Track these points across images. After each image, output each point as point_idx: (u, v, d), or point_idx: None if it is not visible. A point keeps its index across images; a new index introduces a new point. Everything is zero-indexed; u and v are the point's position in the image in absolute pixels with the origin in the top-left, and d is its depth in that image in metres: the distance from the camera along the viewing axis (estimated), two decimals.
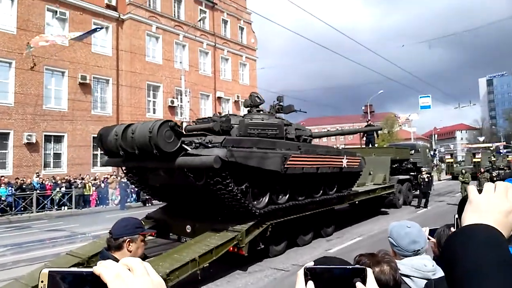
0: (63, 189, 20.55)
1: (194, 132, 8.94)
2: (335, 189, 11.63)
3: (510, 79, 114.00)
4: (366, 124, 22.53)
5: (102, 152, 9.01)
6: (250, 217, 8.31)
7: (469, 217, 0.89)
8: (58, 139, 24.16)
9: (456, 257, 0.81)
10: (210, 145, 7.29)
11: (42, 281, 0.63)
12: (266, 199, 8.83)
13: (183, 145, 7.19)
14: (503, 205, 0.88)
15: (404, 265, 2.18)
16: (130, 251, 2.60)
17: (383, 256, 1.91)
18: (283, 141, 9.58)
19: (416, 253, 2.29)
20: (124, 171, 9.76)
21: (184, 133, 8.33)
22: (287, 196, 9.47)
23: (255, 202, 8.53)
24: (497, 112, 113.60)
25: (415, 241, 2.29)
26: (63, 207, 20.23)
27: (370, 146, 21.65)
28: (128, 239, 2.61)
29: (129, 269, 0.69)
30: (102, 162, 9.89)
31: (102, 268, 0.66)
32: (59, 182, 21.08)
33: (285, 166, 8.75)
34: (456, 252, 0.82)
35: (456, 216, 2.29)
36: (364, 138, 23.66)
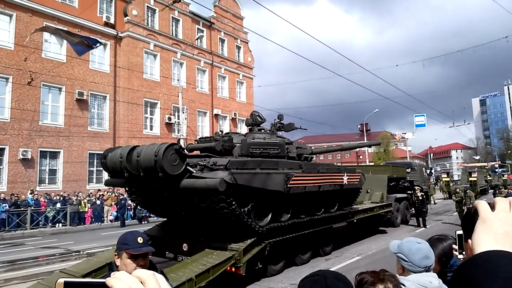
0: (58, 205, 20.29)
1: (198, 154, 8.96)
2: (336, 207, 11.60)
3: (502, 99, 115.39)
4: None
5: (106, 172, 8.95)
6: (248, 235, 8.21)
7: (484, 241, 0.80)
8: (54, 155, 23.97)
9: None
10: (214, 168, 7.27)
11: None
12: (268, 218, 8.80)
13: (188, 167, 7.16)
14: None
15: (410, 282, 2.13)
16: (117, 266, 2.61)
17: (386, 274, 1.89)
18: (285, 161, 9.63)
19: (428, 269, 2.26)
20: (128, 192, 9.77)
21: (188, 153, 8.31)
22: (289, 214, 9.43)
23: (258, 221, 8.48)
24: (491, 131, 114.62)
25: (427, 257, 2.27)
26: (57, 224, 19.90)
27: None
28: (115, 253, 2.67)
29: (142, 282, 0.68)
30: (105, 182, 9.88)
31: (114, 280, 0.66)
32: (54, 198, 20.83)
33: (288, 186, 8.76)
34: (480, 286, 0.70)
35: (459, 232, 2.17)
36: None
